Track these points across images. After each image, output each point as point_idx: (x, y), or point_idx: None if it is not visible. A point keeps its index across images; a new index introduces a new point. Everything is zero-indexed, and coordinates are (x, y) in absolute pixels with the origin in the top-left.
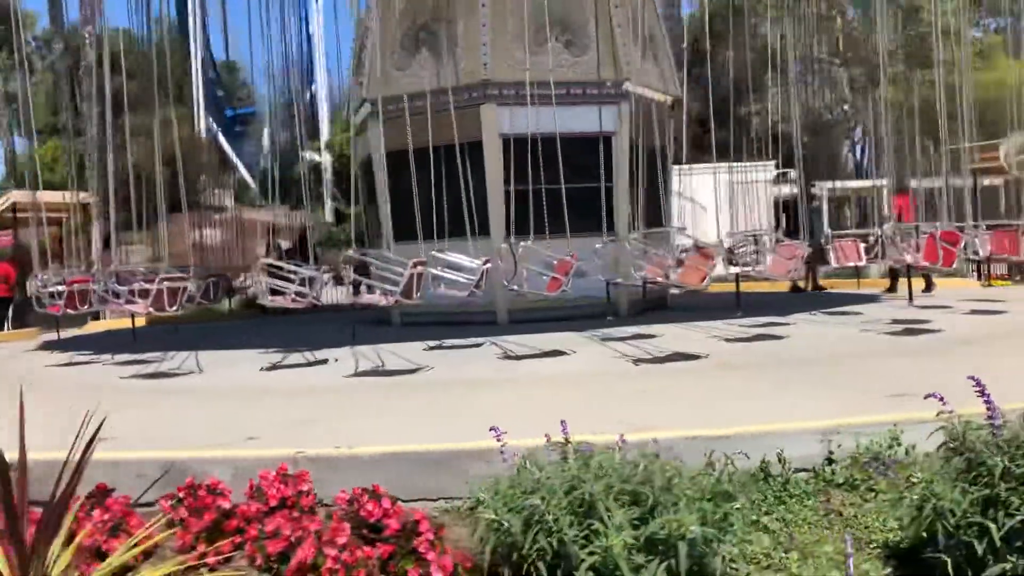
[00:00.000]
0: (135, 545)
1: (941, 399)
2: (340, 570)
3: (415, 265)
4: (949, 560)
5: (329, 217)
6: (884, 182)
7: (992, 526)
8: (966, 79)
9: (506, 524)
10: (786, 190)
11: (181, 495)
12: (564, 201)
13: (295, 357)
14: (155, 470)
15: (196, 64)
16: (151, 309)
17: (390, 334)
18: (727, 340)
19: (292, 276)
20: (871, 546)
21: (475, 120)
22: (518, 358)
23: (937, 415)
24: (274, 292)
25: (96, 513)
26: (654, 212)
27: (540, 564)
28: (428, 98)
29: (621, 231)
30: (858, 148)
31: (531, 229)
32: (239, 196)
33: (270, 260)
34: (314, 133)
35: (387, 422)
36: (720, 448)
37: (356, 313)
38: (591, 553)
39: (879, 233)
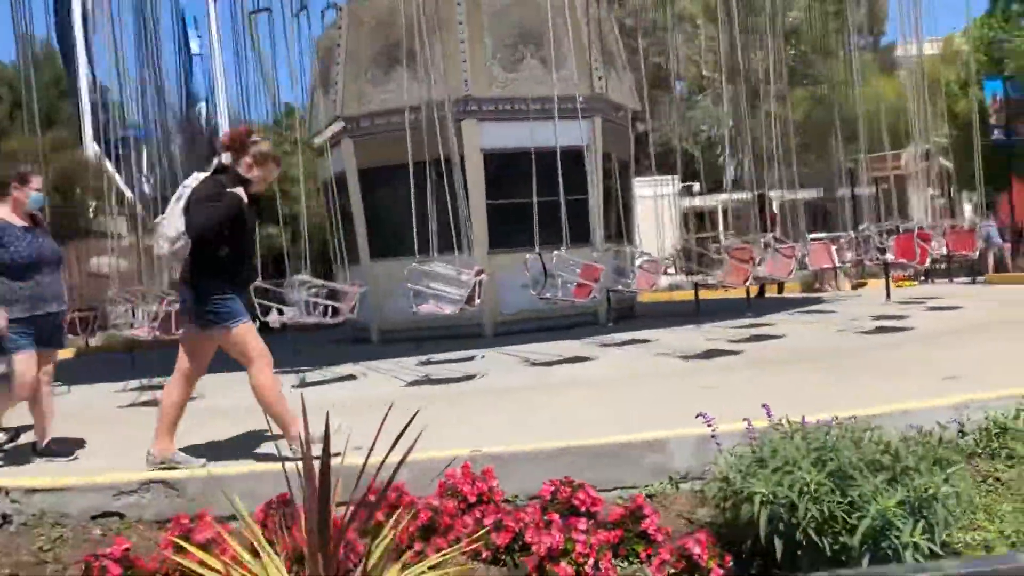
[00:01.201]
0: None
1: None
2: (591, 553)
3: (477, 273)
4: None
5: None
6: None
7: None
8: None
9: (773, 497)
10: (693, 203)
11: (373, 498)
12: (542, 213)
13: (312, 375)
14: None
15: (83, 89)
16: (157, 333)
17: (376, 351)
18: (732, 340)
19: (322, 292)
20: None
21: (456, 135)
22: (548, 364)
23: None
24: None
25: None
26: (624, 222)
27: (810, 531)
28: (407, 114)
29: (596, 241)
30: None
31: (511, 242)
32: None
33: (304, 277)
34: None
35: (492, 424)
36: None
37: (326, 332)
38: (871, 517)
39: (852, 235)
